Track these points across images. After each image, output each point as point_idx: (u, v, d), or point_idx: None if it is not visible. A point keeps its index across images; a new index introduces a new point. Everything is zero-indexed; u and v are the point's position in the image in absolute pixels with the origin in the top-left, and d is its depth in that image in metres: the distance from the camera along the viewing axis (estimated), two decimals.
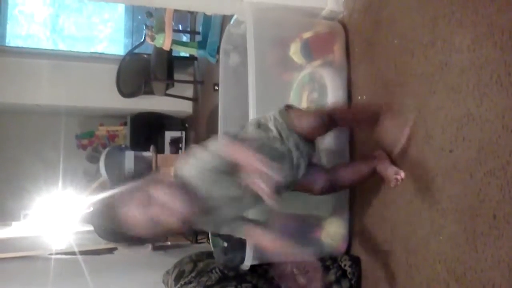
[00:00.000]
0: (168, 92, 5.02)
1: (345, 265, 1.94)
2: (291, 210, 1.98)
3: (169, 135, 5.35)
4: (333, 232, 2.03)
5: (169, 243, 3.66)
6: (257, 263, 1.95)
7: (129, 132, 5.37)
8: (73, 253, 3.45)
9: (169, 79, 4.81)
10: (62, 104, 5.13)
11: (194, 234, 3.21)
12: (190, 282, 2.00)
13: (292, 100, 2.12)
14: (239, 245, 1.96)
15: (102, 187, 3.60)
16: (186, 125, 5.65)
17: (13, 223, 4.73)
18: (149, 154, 3.61)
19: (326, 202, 1.99)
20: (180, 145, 5.31)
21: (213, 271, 2.00)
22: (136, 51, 4.93)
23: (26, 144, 5.68)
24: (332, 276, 1.91)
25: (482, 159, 1.29)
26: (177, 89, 5.12)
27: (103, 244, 3.42)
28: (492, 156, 1.26)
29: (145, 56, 4.93)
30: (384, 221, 1.80)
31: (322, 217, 2.03)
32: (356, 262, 1.95)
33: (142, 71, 4.72)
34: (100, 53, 5.70)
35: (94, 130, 5.82)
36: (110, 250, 3.49)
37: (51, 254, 3.48)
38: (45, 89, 4.94)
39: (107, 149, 3.44)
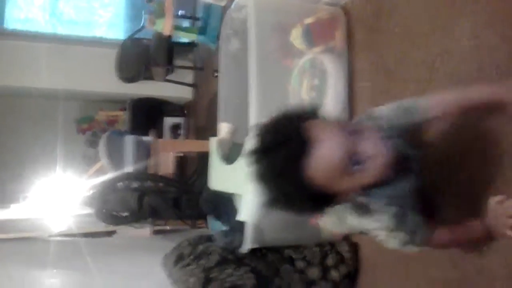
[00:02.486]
0: (168, 78, 5.02)
1: (343, 251, 1.96)
2: None
3: (168, 121, 5.35)
4: (331, 218, 2.05)
5: (168, 227, 3.69)
6: (256, 247, 1.97)
7: (128, 117, 5.37)
8: (72, 235, 3.47)
9: (169, 65, 4.80)
10: (61, 88, 5.12)
11: (194, 219, 3.24)
12: (188, 265, 2.02)
13: (292, 86, 2.13)
14: (239, 228, 1.98)
15: (101, 171, 3.62)
16: (186, 111, 5.65)
17: (12, 205, 4.74)
18: (149, 138, 3.62)
19: None
20: (180, 131, 5.31)
21: (212, 254, 2.02)
22: (136, 36, 4.91)
23: (25, 128, 5.68)
24: (330, 261, 1.94)
25: None
26: (177, 75, 5.11)
27: (103, 227, 3.44)
28: None
29: (145, 41, 4.91)
30: None
31: None
32: (354, 247, 1.97)
33: (142, 56, 4.70)
34: (100, 38, 5.67)
35: (93, 115, 5.82)
36: (109, 233, 3.51)
37: (50, 236, 3.50)
38: (44, 72, 4.92)
39: (106, 133, 3.45)
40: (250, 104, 1.89)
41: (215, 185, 2.30)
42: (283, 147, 0.99)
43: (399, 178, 1.13)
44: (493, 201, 1.19)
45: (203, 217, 2.97)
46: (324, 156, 0.97)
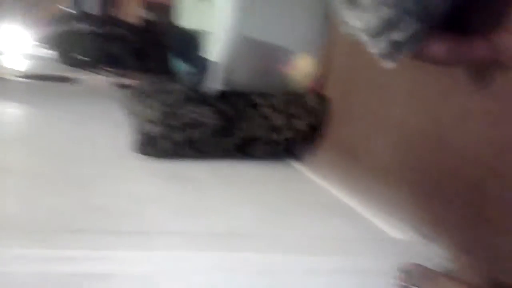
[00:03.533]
0: None
1: (311, 102, 1.91)
2: (265, 38, 1.88)
3: None
4: (304, 69, 1.97)
5: (129, 82, 3.54)
6: (223, 89, 1.89)
7: None
8: (32, 77, 3.28)
9: None
10: None
11: (157, 74, 3.10)
12: (150, 99, 1.91)
13: None
14: (206, 68, 1.87)
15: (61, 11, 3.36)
16: None
17: None
18: None
19: (303, 36, 1.89)
20: None
21: (175, 92, 1.92)
22: None
23: None
24: (297, 110, 1.88)
25: None
26: None
27: (63, 72, 3.26)
28: None
29: None
30: (364, 58, 1.72)
31: (296, 52, 1.95)
32: (323, 100, 1.91)
33: None
34: None
35: None
36: (70, 80, 3.34)
37: (10, 75, 3.31)
38: None
39: None
40: None
41: (186, 22, 2.14)
42: None
43: None
44: None
45: (168, 72, 2.84)
46: None
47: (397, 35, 1.00)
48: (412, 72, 1.42)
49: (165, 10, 3.93)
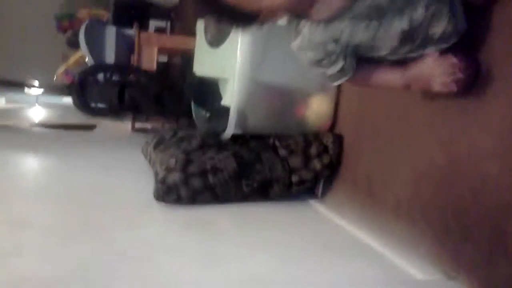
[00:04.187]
0: None
1: (327, 141, 1.92)
2: (278, 82, 1.93)
3: (153, 24, 5.14)
4: (318, 109, 2.00)
5: (149, 126, 3.63)
6: (239, 133, 1.92)
7: (111, 17, 5.13)
8: (52, 127, 3.40)
9: None
10: None
11: (176, 116, 3.17)
12: (170, 147, 1.97)
13: None
14: (222, 114, 1.92)
15: (81, 62, 3.49)
16: (172, 14, 5.42)
17: None
18: (131, 31, 3.46)
19: (315, 77, 1.93)
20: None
21: (194, 138, 1.98)
22: None
23: (2, 22, 5.43)
24: (313, 151, 1.90)
25: None
26: None
27: (83, 120, 3.37)
28: None
29: None
30: (373, 96, 1.76)
31: (309, 93, 1.98)
32: (338, 139, 1.93)
33: None
34: None
35: (75, 12, 5.56)
36: (90, 128, 3.44)
37: (31, 125, 3.43)
38: None
39: (86, 21, 3.27)
40: None
41: (201, 70, 2.21)
42: None
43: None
44: (432, 56, 1.15)
45: (186, 115, 2.90)
46: None
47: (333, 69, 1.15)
48: (426, 107, 1.44)
49: (182, 57, 4.06)
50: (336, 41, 1.10)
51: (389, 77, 1.22)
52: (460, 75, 1.15)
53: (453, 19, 1.13)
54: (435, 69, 1.15)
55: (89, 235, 1.49)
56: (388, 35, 1.10)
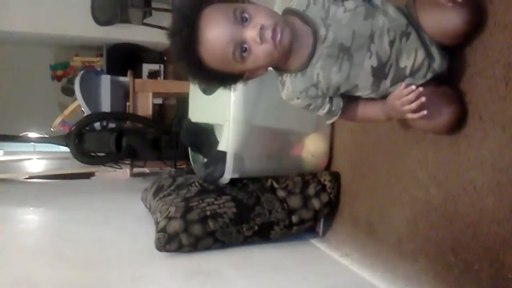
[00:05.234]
0: (146, 21, 4.83)
1: (324, 180, 1.94)
2: (272, 125, 1.96)
3: (147, 67, 5.23)
4: (314, 149, 2.02)
5: (147, 170, 3.64)
6: (237, 177, 1.94)
7: (105, 63, 5.21)
8: (50, 177, 3.41)
9: (147, 6, 4.62)
10: (35, 31, 4.91)
11: (174, 160, 3.19)
12: (169, 195, 1.99)
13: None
14: (220, 159, 1.94)
15: (77, 112, 3.53)
16: (165, 58, 5.51)
17: None
18: (126, 79, 3.51)
19: (309, 117, 1.97)
20: (158, 79, 5.20)
21: (193, 184, 1.99)
22: None
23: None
24: (311, 190, 1.92)
25: None
26: (155, 18, 4.92)
27: (80, 169, 3.38)
28: None
29: None
30: (366, 135, 1.79)
31: (304, 133, 2.02)
32: (335, 177, 1.95)
33: None
34: None
35: (68, 61, 5.64)
36: (88, 175, 3.46)
37: (28, 177, 3.44)
38: (16, 15, 4.70)
39: (81, 72, 3.32)
40: None
41: (196, 117, 2.24)
42: (177, 34, 1.07)
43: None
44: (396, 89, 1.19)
45: (183, 158, 2.93)
46: (210, 46, 1.05)
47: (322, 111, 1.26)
48: (418, 145, 1.47)
49: (177, 100, 4.11)
50: (315, 86, 1.19)
51: (373, 110, 1.28)
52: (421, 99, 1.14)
53: (425, 55, 1.18)
54: (397, 96, 1.17)
55: None
56: (361, 74, 1.18)
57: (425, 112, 1.13)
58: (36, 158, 4.04)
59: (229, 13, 1.05)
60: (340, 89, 1.21)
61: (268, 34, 1.05)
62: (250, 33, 1.05)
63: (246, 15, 1.06)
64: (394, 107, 1.19)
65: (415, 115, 1.15)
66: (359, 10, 1.14)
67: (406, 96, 1.14)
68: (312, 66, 1.16)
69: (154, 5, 4.76)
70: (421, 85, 1.19)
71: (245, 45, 1.06)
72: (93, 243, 1.98)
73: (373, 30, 1.14)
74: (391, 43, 1.15)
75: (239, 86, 1.25)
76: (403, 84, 1.16)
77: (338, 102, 1.25)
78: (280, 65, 1.18)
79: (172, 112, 4.72)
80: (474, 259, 1.25)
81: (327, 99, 1.23)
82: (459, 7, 1.12)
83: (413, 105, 1.13)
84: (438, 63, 1.21)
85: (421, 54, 1.18)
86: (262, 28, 1.04)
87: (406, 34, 1.17)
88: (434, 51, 1.21)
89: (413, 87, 1.13)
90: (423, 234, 1.45)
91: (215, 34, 1.04)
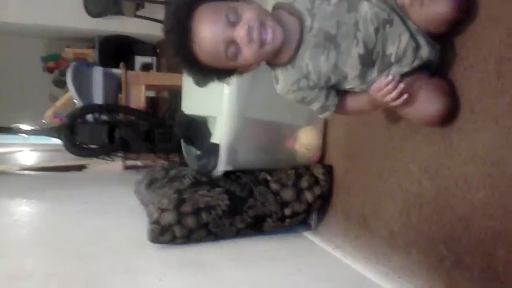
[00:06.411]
0: (139, 13, 4.80)
1: (317, 173, 1.95)
2: (265, 118, 1.96)
3: (139, 60, 5.20)
4: (307, 142, 2.03)
5: (139, 163, 3.63)
6: (230, 169, 1.95)
7: (97, 55, 5.17)
8: (42, 169, 3.39)
9: None
10: (26, 22, 4.87)
11: (167, 153, 3.18)
12: (162, 187, 1.99)
13: None
14: (213, 151, 1.94)
15: (69, 104, 3.50)
16: (158, 50, 5.48)
17: None
18: (118, 71, 3.49)
19: (302, 110, 1.97)
20: (151, 71, 5.17)
21: (186, 176, 1.99)
22: None
23: None
24: (304, 183, 1.92)
25: None
26: (148, 10, 4.88)
27: (72, 161, 3.37)
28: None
29: None
30: (360, 128, 1.79)
31: (297, 126, 2.02)
32: (328, 170, 1.96)
33: None
34: None
35: (60, 53, 5.60)
36: (80, 168, 3.45)
37: (20, 169, 3.42)
38: (10, 6, 4.66)
39: (73, 63, 3.29)
40: None
41: (189, 109, 2.24)
42: (171, 33, 1.13)
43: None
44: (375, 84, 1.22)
45: (176, 151, 2.92)
46: (203, 45, 1.09)
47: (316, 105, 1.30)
48: (411, 139, 1.47)
49: (170, 93, 4.10)
50: (305, 77, 1.22)
51: (360, 101, 1.31)
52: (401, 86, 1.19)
53: (408, 39, 1.20)
54: (377, 88, 1.21)
55: (88, 285, 1.50)
56: (349, 62, 1.20)
57: (405, 96, 1.19)
58: (28, 150, 4.01)
59: (220, 13, 1.08)
60: (331, 80, 1.24)
61: (256, 34, 1.09)
62: (239, 33, 1.08)
63: (236, 14, 1.09)
64: (376, 99, 1.23)
65: (398, 102, 1.19)
66: (341, 5, 1.17)
67: (385, 87, 1.18)
68: (300, 57, 1.20)
69: None
70: (410, 74, 1.22)
71: (235, 44, 1.10)
72: (86, 235, 1.98)
73: (357, 20, 1.17)
74: (376, 30, 1.18)
75: (234, 79, 1.27)
76: (382, 78, 1.20)
77: (333, 98, 1.28)
78: (271, 60, 1.22)
79: (165, 105, 4.71)
80: (466, 252, 1.27)
81: (323, 91, 1.26)
82: None
83: (394, 94, 1.18)
84: (426, 51, 1.23)
85: (405, 39, 1.20)
86: (249, 28, 1.08)
87: (389, 21, 1.19)
88: (421, 39, 1.22)
89: (390, 77, 1.18)
90: (416, 227, 1.46)
91: (207, 34, 1.08)
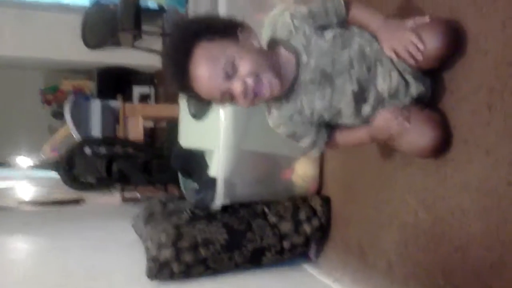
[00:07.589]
0: (136, 44, 4.85)
1: (315, 205, 1.95)
2: (262, 150, 1.97)
3: (137, 90, 5.23)
4: (304, 173, 2.03)
5: (138, 195, 3.62)
6: (228, 203, 1.94)
7: (95, 87, 5.22)
8: (40, 204, 3.38)
9: (137, 30, 4.65)
10: (25, 55, 4.92)
11: (164, 184, 3.18)
12: (161, 222, 1.97)
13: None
14: (210, 185, 1.94)
15: (68, 138, 3.52)
16: (155, 80, 5.52)
17: None
18: (116, 103, 3.52)
19: None
20: (149, 101, 5.20)
21: (184, 211, 1.98)
22: (102, 1, 4.74)
23: None
24: (302, 215, 1.92)
25: None
26: (145, 41, 4.94)
27: (71, 195, 3.36)
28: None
29: (112, 6, 4.74)
30: (355, 159, 1.80)
31: (293, 157, 2.02)
32: (326, 201, 1.96)
33: (108, 21, 4.53)
34: (65, 4, 5.45)
35: (58, 85, 5.64)
36: (78, 202, 3.43)
37: (19, 203, 3.40)
38: (7, 39, 4.71)
39: (71, 98, 3.33)
40: None
41: (186, 142, 2.25)
42: (171, 58, 1.16)
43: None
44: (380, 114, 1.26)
45: (174, 182, 2.92)
46: (201, 87, 1.13)
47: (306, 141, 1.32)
48: (405, 170, 1.48)
49: (168, 124, 4.11)
50: (299, 112, 1.24)
51: (356, 134, 1.32)
52: (405, 113, 1.22)
53: (399, 78, 1.23)
54: (386, 115, 1.24)
55: None
56: (343, 100, 1.23)
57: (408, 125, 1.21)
58: (25, 183, 4.01)
59: (217, 64, 1.10)
60: (325, 116, 1.26)
61: (251, 90, 1.12)
62: (235, 88, 1.11)
63: (232, 68, 1.11)
64: (376, 135, 1.26)
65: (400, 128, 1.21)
66: (336, 41, 1.20)
67: (400, 116, 1.21)
68: (295, 92, 1.22)
69: (144, 28, 4.80)
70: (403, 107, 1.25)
71: (231, 93, 1.13)
72: (85, 272, 1.96)
73: (351, 57, 1.20)
74: (368, 69, 1.21)
75: (229, 112, 1.29)
76: (393, 108, 1.23)
77: (323, 135, 1.31)
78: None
79: (163, 135, 4.72)
80: (463, 283, 1.26)
81: (313, 127, 1.28)
82: (432, 30, 1.17)
83: (400, 119, 1.21)
84: (414, 87, 1.25)
85: (395, 76, 1.23)
86: (245, 84, 1.11)
87: (379, 60, 1.22)
88: (409, 78, 1.24)
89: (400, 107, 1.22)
90: (413, 257, 1.45)
91: (205, 84, 1.12)
